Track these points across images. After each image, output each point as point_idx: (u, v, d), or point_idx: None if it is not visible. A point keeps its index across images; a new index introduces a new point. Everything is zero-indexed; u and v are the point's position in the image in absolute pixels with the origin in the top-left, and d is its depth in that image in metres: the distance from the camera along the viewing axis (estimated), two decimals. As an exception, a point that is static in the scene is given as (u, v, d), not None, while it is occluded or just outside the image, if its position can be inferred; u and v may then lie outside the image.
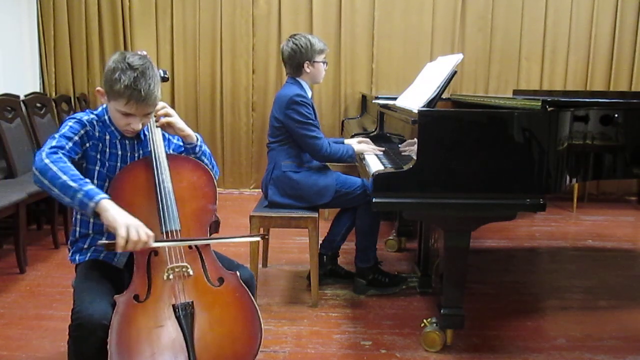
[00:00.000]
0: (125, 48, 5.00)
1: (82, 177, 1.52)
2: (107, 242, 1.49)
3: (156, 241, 1.55)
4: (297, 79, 2.85)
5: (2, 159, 3.65)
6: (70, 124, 1.68)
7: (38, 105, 4.19)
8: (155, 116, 1.75)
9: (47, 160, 1.52)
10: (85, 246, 1.76)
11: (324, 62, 2.86)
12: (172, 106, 5.20)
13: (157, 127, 1.77)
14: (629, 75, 5.05)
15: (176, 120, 1.77)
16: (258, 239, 1.69)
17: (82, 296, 1.57)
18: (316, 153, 2.76)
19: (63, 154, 1.57)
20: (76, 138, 1.66)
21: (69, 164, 1.54)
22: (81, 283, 1.65)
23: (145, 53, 1.80)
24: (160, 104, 1.75)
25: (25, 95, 4.17)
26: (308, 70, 2.82)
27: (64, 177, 1.49)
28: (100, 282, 1.64)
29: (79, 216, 1.75)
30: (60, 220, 3.67)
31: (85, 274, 1.69)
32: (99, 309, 1.50)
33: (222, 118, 5.23)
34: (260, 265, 3.08)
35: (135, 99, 1.61)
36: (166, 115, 1.75)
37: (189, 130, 1.80)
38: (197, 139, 1.83)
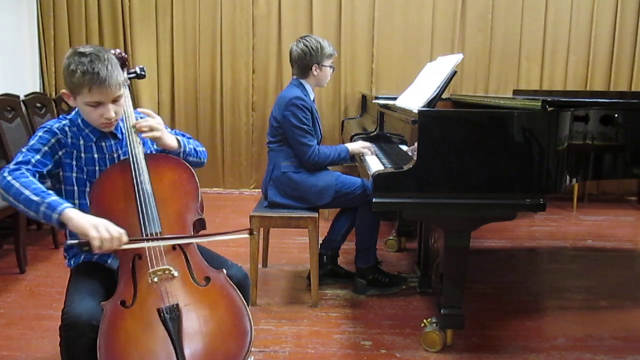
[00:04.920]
0: (125, 48, 5.01)
1: (45, 190, 1.53)
2: (79, 241, 1.48)
3: (132, 240, 1.54)
4: (302, 81, 2.85)
5: (2, 159, 3.64)
6: (40, 134, 1.68)
7: (38, 105, 4.18)
8: (136, 130, 1.72)
9: (9, 177, 1.54)
10: (82, 255, 1.76)
11: (331, 67, 2.87)
12: (172, 106, 5.21)
13: (139, 141, 1.73)
14: (629, 75, 5.05)
15: (161, 135, 1.74)
16: (245, 235, 1.65)
17: (72, 297, 1.56)
18: (304, 159, 2.75)
19: (27, 169, 1.59)
20: (45, 149, 1.66)
21: (31, 178, 1.56)
22: (72, 284, 1.65)
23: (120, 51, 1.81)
24: (145, 122, 1.72)
25: (25, 95, 4.17)
26: (315, 74, 2.83)
27: (27, 192, 1.51)
28: (91, 282, 1.63)
29: None
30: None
31: (77, 276, 1.68)
32: (87, 309, 1.49)
33: (222, 118, 5.23)
34: (260, 265, 3.08)
35: (96, 83, 1.59)
36: (152, 129, 1.72)
37: (172, 143, 1.77)
38: (180, 145, 1.80)
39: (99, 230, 1.46)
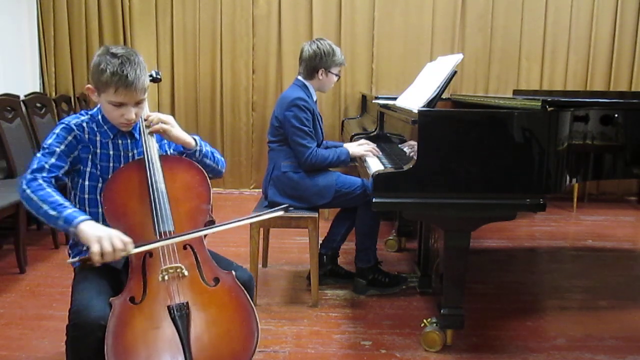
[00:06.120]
0: (125, 48, 5.00)
1: (61, 202, 1.56)
2: (79, 258, 1.52)
3: (138, 245, 1.55)
4: (306, 82, 2.85)
5: (2, 159, 3.65)
6: (57, 131, 1.71)
7: (38, 105, 4.19)
8: (147, 123, 1.74)
9: (28, 191, 1.58)
10: (84, 248, 1.76)
11: (337, 75, 2.88)
12: (172, 106, 5.21)
13: (149, 133, 1.74)
14: (629, 75, 5.05)
15: (171, 128, 1.76)
16: (281, 213, 1.67)
17: (80, 296, 1.57)
18: (301, 161, 2.74)
19: (43, 178, 1.62)
20: (62, 148, 1.68)
21: (48, 190, 1.59)
22: (79, 283, 1.66)
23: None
24: (155, 115, 1.75)
25: (25, 95, 4.17)
26: (321, 78, 2.84)
27: (45, 207, 1.55)
28: (98, 282, 1.64)
29: None
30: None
31: (83, 275, 1.69)
32: (96, 309, 1.50)
33: (222, 118, 5.23)
34: (260, 265, 3.08)
35: (123, 85, 1.61)
36: (160, 122, 1.74)
37: (185, 138, 1.79)
38: (196, 143, 1.81)
39: (102, 244, 1.48)
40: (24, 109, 3.99)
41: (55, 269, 3.23)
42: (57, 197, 1.58)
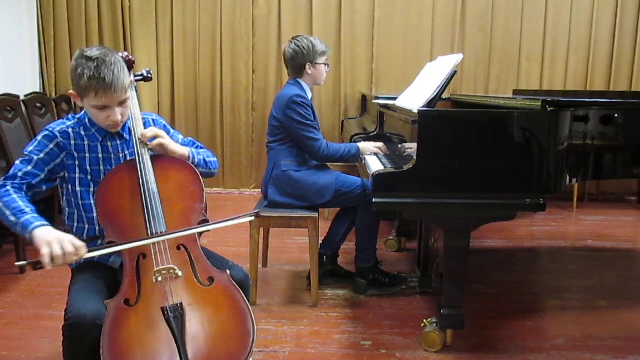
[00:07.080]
0: (125, 48, 5.00)
1: (22, 209, 1.56)
2: (28, 261, 1.49)
3: (96, 249, 1.56)
4: (298, 80, 2.87)
5: (2, 159, 3.64)
6: (40, 138, 1.71)
7: (38, 105, 4.19)
8: (142, 140, 1.73)
9: None
10: (99, 243, 1.76)
11: (325, 64, 2.89)
12: (172, 106, 5.21)
13: (148, 149, 1.73)
14: (629, 75, 5.05)
15: (168, 143, 1.75)
16: (252, 218, 1.68)
17: (76, 296, 1.57)
18: (314, 154, 2.77)
19: (13, 184, 1.63)
20: (41, 156, 1.68)
21: (14, 196, 1.60)
22: (75, 284, 1.66)
23: (126, 54, 1.82)
24: (151, 130, 1.74)
25: (25, 95, 4.17)
26: (310, 72, 2.84)
27: (7, 212, 1.56)
28: (94, 282, 1.64)
29: (75, 224, 1.77)
30: (61, 220, 3.66)
31: (80, 275, 1.69)
32: (92, 309, 1.50)
33: (222, 118, 5.23)
34: (260, 265, 3.08)
35: (102, 88, 1.60)
36: (156, 136, 1.73)
37: (180, 150, 1.78)
38: (189, 156, 1.81)
39: (52, 246, 1.46)
40: (24, 109, 3.98)
41: (55, 269, 3.15)
42: (21, 203, 1.57)
